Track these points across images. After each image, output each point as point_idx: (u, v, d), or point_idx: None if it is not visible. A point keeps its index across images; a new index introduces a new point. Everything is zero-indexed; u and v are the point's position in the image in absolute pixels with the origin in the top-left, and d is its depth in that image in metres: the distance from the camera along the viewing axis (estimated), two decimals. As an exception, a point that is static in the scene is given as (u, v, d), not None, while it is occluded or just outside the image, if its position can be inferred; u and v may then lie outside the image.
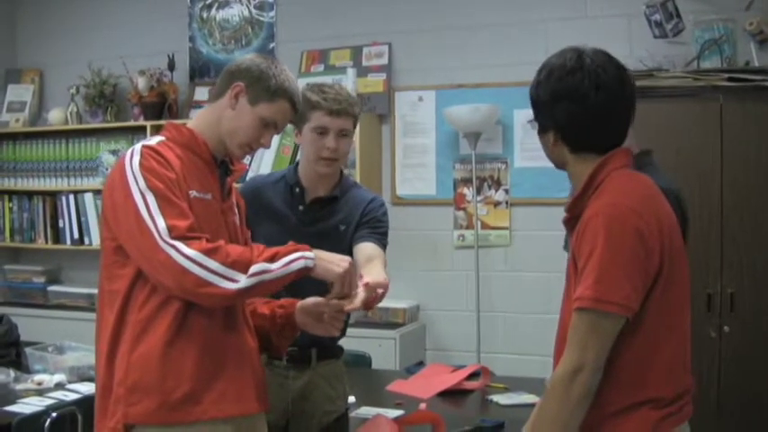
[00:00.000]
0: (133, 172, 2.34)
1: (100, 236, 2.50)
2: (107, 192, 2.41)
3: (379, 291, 2.61)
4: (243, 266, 2.29)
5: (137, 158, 2.37)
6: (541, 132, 2.31)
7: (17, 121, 6.06)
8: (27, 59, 6.31)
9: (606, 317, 2.07)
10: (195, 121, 2.59)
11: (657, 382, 2.14)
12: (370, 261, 2.86)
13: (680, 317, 2.20)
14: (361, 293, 2.51)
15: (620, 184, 2.20)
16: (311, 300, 2.63)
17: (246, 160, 5.20)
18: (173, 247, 2.27)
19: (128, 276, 2.35)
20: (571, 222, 2.29)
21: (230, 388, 2.39)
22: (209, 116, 2.56)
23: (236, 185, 2.68)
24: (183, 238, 2.27)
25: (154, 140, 2.47)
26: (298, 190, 3.08)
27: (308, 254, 2.38)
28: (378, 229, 3.07)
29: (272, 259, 2.33)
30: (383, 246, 3.04)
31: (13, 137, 6.03)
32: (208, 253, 2.27)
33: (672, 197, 2.53)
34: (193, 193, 2.41)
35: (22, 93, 6.17)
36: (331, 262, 2.42)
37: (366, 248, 2.96)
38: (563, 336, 2.20)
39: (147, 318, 2.33)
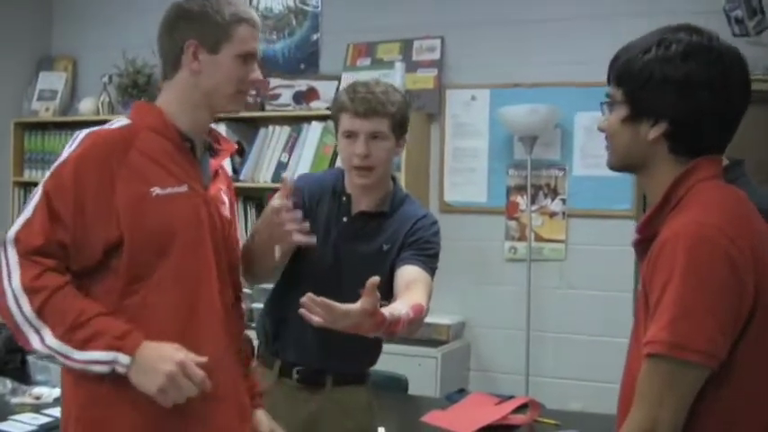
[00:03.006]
0: (59, 162, 2.09)
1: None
2: None
3: (403, 311, 2.26)
4: (56, 321, 2.00)
5: (75, 147, 2.10)
6: (633, 119, 1.86)
7: (47, 110, 5.79)
8: (61, 47, 6.03)
9: (686, 366, 1.66)
10: (161, 100, 2.25)
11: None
12: (409, 287, 2.48)
13: None
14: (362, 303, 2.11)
15: (708, 199, 1.78)
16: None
17: (284, 158, 4.93)
18: (4, 251, 2.03)
19: None
20: (643, 245, 1.86)
21: None
22: (175, 92, 2.24)
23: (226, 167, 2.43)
24: (24, 254, 2.02)
25: (116, 124, 2.17)
26: (344, 199, 2.73)
27: (122, 359, 2.00)
28: (425, 251, 2.67)
29: (84, 344, 2.00)
30: (431, 270, 2.65)
31: (43, 126, 5.76)
32: (29, 291, 2.00)
33: None
34: (156, 191, 2.09)
35: (53, 81, 5.89)
36: (147, 373, 2.01)
37: (407, 272, 2.58)
38: (629, 385, 1.80)
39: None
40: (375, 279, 2.15)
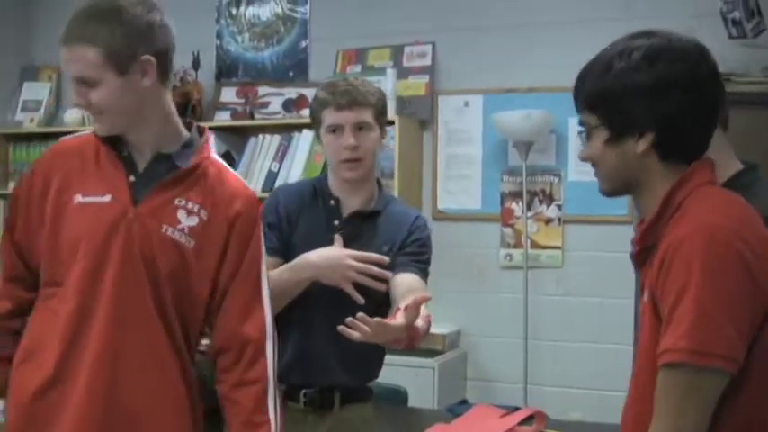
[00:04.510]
0: None
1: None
2: None
3: (420, 324, 2.32)
4: None
5: None
6: (616, 139, 1.80)
7: (32, 121, 5.68)
8: (44, 56, 5.89)
9: (707, 373, 1.61)
10: None
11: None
12: (409, 295, 2.45)
13: None
14: (400, 317, 2.24)
15: (713, 202, 1.74)
16: None
17: (275, 167, 4.85)
18: None
19: None
20: (641, 256, 1.83)
21: None
22: None
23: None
24: None
25: (84, 132, 2.22)
26: (332, 203, 2.67)
27: None
28: (421, 257, 2.67)
29: None
30: (426, 277, 2.65)
31: (27, 138, 5.63)
32: None
33: None
34: (77, 199, 2.09)
35: (38, 91, 5.77)
36: None
37: (407, 280, 2.57)
38: (636, 398, 1.77)
39: None
40: (424, 296, 2.28)
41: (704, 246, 1.64)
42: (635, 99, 1.76)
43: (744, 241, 1.64)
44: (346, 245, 2.62)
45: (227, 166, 2.28)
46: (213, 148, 2.27)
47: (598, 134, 1.83)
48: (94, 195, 2.09)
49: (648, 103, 1.76)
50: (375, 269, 2.52)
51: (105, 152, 2.14)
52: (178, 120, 2.23)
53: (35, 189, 2.15)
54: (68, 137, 2.24)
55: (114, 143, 2.16)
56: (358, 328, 2.18)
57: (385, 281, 2.56)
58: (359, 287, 2.53)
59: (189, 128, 2.26)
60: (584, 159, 1.91)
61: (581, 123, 1.89)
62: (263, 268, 2.23)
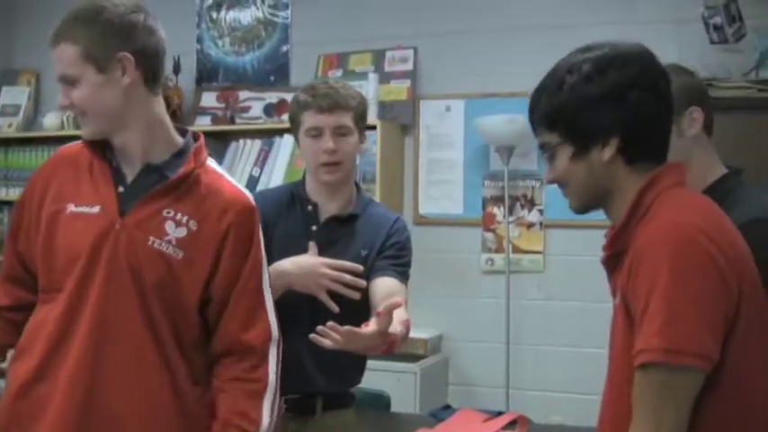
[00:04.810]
0: None
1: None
2: None
3: (398, 329, 2.30)
4: None
5: None
6: (581, 152, 1.82)
7: (10, 125, 5.64)
8: (24, 60, 5.86)
9: (682, 371, 1.61)
10: None
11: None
12: (388, 299, 2.43)
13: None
14: (373, 324, 2.21)
15: (681, 203, 1.76)
16: None
17: (256, 172, 4.83)
18: None
19: None
20: (612, 261, 1.83)
21: None
22: None
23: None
24: None
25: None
26: (310, 208, 2.65)
27: None
28: (400, 259, 2.66)
29: None
30: (406, 280, 2.64)
31: (6, 143, 5.59)
32: None
33: None
34: (70, 208, 2.10)
35: (16, 95, 5.73)
36: None
37: (386, 285, 2.56)
38: (612, 399, 1.79)
39: None
40: (395, 302, 2.24)
41: (673, 246, 1.65)
42: (593, 108, 1.79)
43: (713, 242, 1.66)
44: (324, 250, 2.62)
45: (223, 174, 2.23)
46: (208, 155, 2.25)
47: (562, 151, 1.85)
48: (85, 206, 2.10)
49: (607, 109, 1.79)
50: (348, 277, 2.51)
51: (97, 162, 2.14)
52: (169, 127, 2.19)
53: (34, 196, 2.18)
54: (68, 144, 2.25)
55: (104, 152, 2.15)
56: (329, 336, 2.18)
57: (359, 289, 2.55)
58: (334, 295, 2.52)
59: (184, 135, 2.23)
60: (551, 181, 1.92)
61: (541, 146, 1.91)
62: (265, 275, 2.20)
